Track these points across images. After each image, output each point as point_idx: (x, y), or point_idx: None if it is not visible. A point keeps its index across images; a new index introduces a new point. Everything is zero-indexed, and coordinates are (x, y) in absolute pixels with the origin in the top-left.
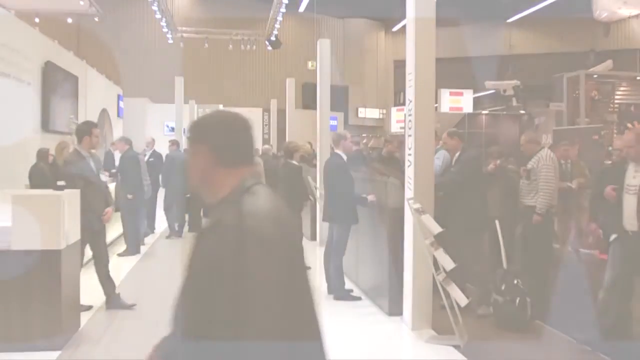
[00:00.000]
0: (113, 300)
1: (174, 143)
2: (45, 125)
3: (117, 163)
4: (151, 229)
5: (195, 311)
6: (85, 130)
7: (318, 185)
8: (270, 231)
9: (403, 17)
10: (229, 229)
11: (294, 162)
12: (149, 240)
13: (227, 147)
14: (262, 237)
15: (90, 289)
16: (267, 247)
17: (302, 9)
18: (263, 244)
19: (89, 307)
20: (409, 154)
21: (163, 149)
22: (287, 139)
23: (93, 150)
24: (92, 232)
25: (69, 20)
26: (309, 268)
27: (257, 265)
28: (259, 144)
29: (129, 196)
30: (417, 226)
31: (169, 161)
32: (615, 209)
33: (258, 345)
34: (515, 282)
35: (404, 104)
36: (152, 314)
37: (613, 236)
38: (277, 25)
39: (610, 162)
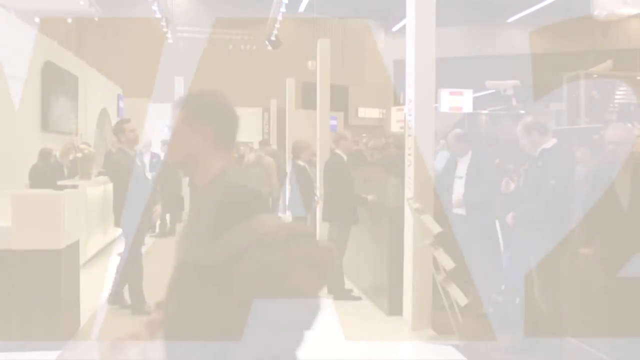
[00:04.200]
0: (117, 297)
1: (166, 144)
2: (45, 125)
3: None
4: (152, 228)
5: None
6: (118, 129)
7: (318, 185)
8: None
9: (403, 17)
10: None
11: (299, 162)
12: (149, 240)
13: (229, 129)
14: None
15: (90, 289)
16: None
17: (302, 9)
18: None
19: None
20: (409, 154)
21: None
22: (287, 139)
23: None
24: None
25: (69, 20)
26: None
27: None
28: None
29: None
30: (417, 226)
31: (165, 162)
32: None
33: None
34: None
35: (404, 104)
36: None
37: None
38: (277, 25)
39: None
